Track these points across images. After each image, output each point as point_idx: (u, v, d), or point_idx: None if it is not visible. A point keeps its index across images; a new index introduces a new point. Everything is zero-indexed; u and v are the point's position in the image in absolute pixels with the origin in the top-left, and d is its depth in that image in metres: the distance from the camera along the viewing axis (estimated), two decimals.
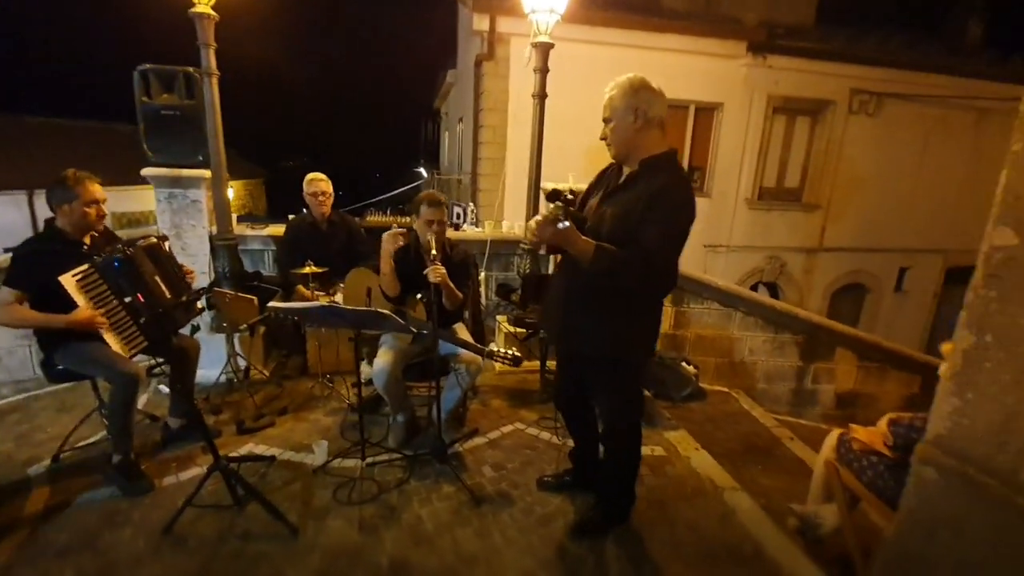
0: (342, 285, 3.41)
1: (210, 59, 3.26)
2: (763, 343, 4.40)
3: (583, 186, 4.65)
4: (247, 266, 3.87)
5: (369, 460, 2.68)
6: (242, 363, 3.43)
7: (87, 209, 2.45)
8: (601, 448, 2.30)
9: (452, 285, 2.60)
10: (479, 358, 2.76)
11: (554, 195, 1.81)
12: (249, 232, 4.02)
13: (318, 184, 3.63)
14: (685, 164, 9.05)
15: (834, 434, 2.55)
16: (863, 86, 8.76)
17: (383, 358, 2.69)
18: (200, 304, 2.90)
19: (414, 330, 2.52)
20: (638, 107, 1.85)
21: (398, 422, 2.92)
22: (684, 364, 4.14)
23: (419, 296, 2.75)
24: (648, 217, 1.76)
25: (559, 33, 7.62)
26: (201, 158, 3.64)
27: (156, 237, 2.69)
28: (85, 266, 2.37)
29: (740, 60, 8.23)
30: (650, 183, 1.82)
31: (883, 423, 2.27)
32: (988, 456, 1.53)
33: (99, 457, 2.65)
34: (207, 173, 3.66)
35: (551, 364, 3.48)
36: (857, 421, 5.03)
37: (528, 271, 3.80)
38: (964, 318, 1.60)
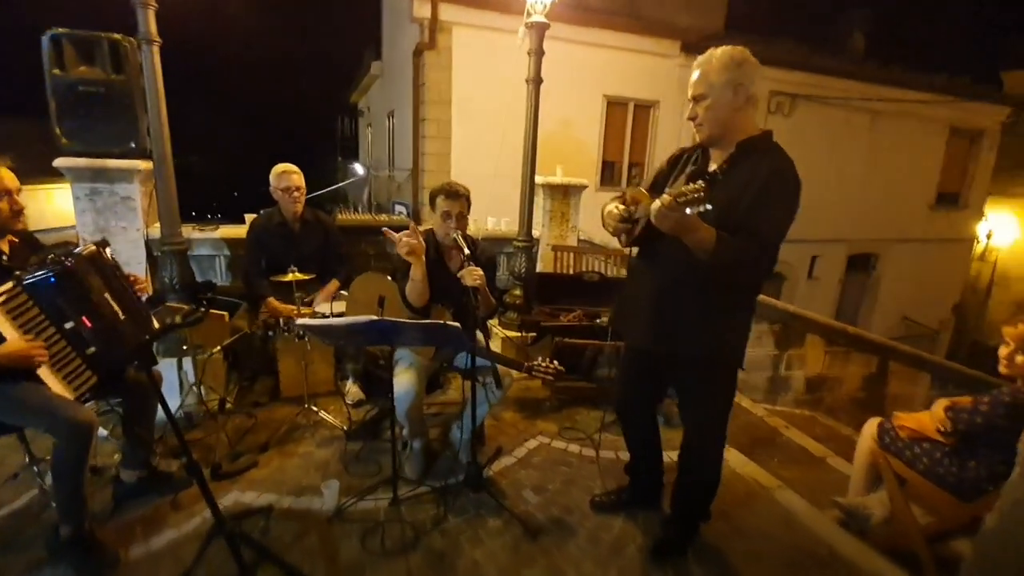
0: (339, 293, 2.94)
1: (149, 22, 2.64)
2: None
3: (577, 180, 4.50)
4: (195, 275, 3.25)
5: (390, 496, 2.29)
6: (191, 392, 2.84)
7: None
8: (675, 462, 2.10)
9: (487, 289, 2.28)
10: (511, 371, 2.46)
11: (698, 174, 1.56)
12: (196, 235, 3.37)
13: (290, 178, 3.10)
14: (624, 161, 9.22)
15: (873, 423, 2.54)
16: (780, 88, 9.40)
17: (405, 378, 2.30)
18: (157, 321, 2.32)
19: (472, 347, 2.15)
20: (740, 82, 1.67)
21: (415, 449, 2.54)
22: None
23: (444, 304, 2.39)
24: (762, 203, 1.59)
25: (508, 25, 7.40)
26: (134, 145, 2.99)
27: (94, 243, 2.11)
28: (8, 284, 1.78)
29: (674, 60, 8.47)
30: (756, 167, 1.64)
31: (937, 409, 2.28)
32: None
33: (35, 528, 2.04)
34: (142, 164, 3.01)
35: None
36: (825, 404, 5.27)
37: (524, 269, 3.52)
38: None
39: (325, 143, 17.23)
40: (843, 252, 11.02)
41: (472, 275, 2.15)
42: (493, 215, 5.30)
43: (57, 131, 2.85)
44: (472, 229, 4.27)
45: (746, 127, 1.72)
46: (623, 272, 4.14)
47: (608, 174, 8.76)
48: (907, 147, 10.64)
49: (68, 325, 1.91)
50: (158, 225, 3.24)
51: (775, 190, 1.59)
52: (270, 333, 2.78)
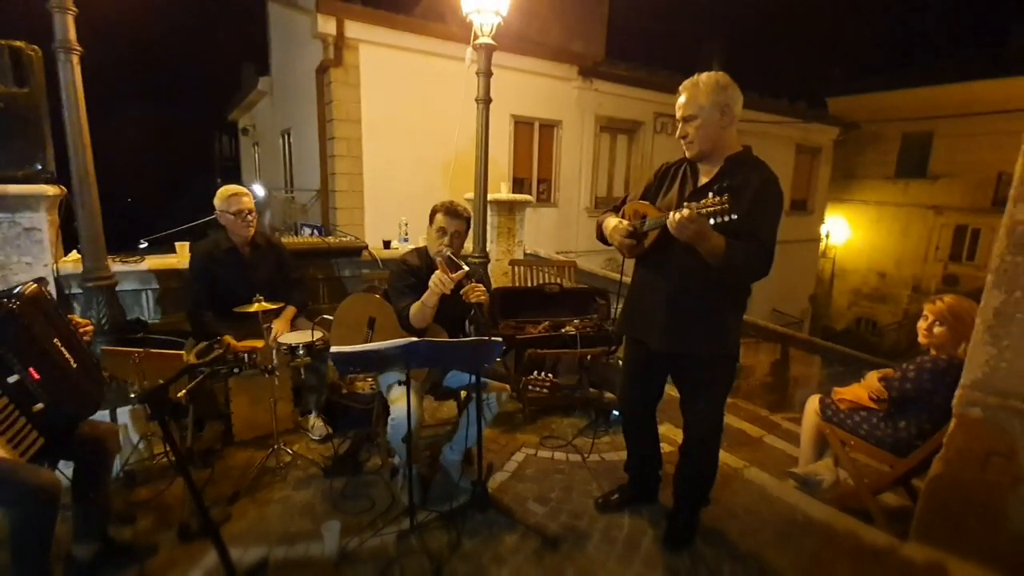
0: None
1: (68, 29, 2.32)
2: None
3: (522, 196, 4.58)
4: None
5: (397, 529, 2.19)
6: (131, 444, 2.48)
7: None
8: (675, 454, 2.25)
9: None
10: (507, 386, 2.47)
11: (723, 190, 1.69)
12: (119, 267, 2.92)
13: (241, 200, 2.84)
14: (533, 176, 9.58)
15: (814, 399, 2.91)
16: (663, 110, 10.36)
17: (403, 402, 2.21)
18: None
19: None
20: (726, 104, 1.87)
21: (411, 475, 2.44)
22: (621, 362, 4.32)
23: (439, 323, 2.34)
24: (759, 210, 1.78)
25: (417, 45, 7.41)
26: (41, 167, 2.58)
27: (34, 282, 1.81)
28: None
29: (573, 83, 9.03)
30: (747, 179, 1.84)
31: (871, 380, 2.68)
32: None
33: None
34: (49, 189, 2.60)
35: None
36: (743, 391, 5.84)
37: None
38: (991, 281, 1.96)
39: (200, 164, 15.77)
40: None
41: (476, 292, 2.15)
42: (411, 233, 5.24)
43: None
44: (397, 249, 4.21)
45: (731, 143, 1.93)
46: (577, 283, 4.32)
47: (518, 190, 9.02)
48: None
49: (12, 379, 1.62)
50: (69, 259, 2.84)
51: (769, 197, 1.81)
52: (235, 371, 2.51)
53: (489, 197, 4.48)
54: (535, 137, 8.93)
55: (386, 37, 7.14)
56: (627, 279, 2.29)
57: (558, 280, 4.14)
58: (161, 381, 1.42)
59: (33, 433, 1.67)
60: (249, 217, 2.83)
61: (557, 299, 3.49)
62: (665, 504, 2.40)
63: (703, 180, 1.95)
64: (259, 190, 8.89)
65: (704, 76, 1.89)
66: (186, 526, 2.19)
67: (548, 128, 9.08)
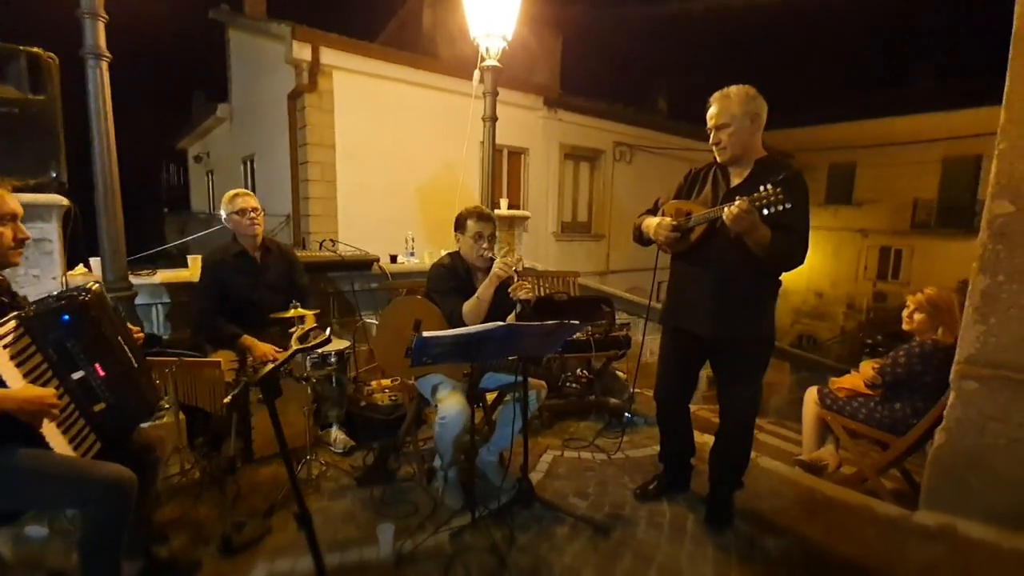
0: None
1: (99, 35, 2.29)
2: (656, 342, 5.04)
3: (522, 212, 4.69)
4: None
5: (448, 529, 2.19)
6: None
7: (2, 228, 1.53)
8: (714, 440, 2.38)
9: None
10: (543, 383, 2.55)
11: (778, 183, 1.83)
12: (133, 280, 2.79)
13: (244, 199, 2.80)
14: (503, 203, 9.78)
15: (813, 391, 3.14)
16: (622, 140, 10.95)
17: (454, 401, 2.25)
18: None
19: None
20: (756, 112, 2.08)
21: (451, 479, 2.45)
22: (617, 372, 4.47)
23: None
24: (794, 204, 1.97)
25: (389, 73, 7.55)
26: (55, 175, 2.49)
27: (95, 282, 1.77)
28: (11, 323, 1.45)
29: (539, 112, 9.41)
30: (776, 178, 2.03)
31: (865, 369, 2.94)
32: (1017, 359, 2.16)
33: None
34: (61, 200, 2.51)
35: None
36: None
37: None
38: (977, 267, 2.25)
39: (146, 194, 15.07)
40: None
41: (523, 288, 2.24)
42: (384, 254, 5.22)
43: None
44: (429, 260, 4.24)
45: (759, 147, 2.14)
46: (577, 291, 4.45)
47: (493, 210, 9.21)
48: None
49: (76, 375, 1.58)
50: (77, 272, 2.72)
51: (801, 193, 2.00)
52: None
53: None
54: (504, 164, 9.17)
55: (360, 64, 7.24)
56: (639, 298, 2.44)
57: (564, 291, 4.28)
58: (269, 366, 1.41)
59: (91, 436, 1.61)
60: (252, 214, 2.79)
61: (566, 307, 3.61)
62: (697, 491, 2.52)
63: (735, 181, 2.14)
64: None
65: (734, 88, 2.09)
66: (228, 540, 2.11)
67: (516, 155, 9.36)
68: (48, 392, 1.44)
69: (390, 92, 7.59)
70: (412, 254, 4.19)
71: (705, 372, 2.74)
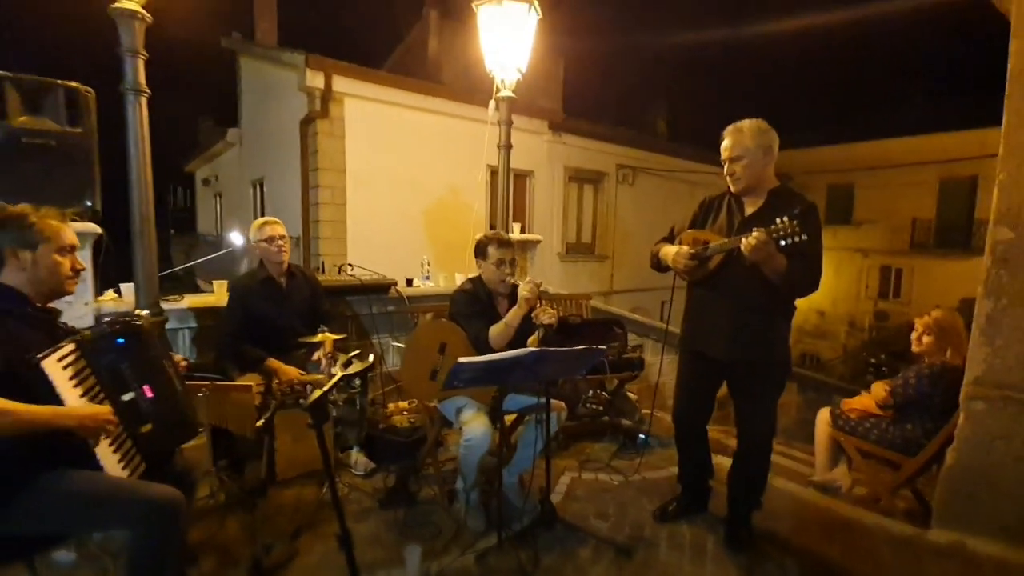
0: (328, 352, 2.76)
1: (139, 72, 2.41)
2: (668, 363, 5.09)
3: (534, 236, 4.78)
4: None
5: (474, 552, 2.23)
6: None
7: (59, 258, 1.60)
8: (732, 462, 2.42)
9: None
10: (563, 404, 2.61)
11: (794, 216, 1.90)
12: (162, 306, 2.87)
13: (273, 227, 2.88)
14: (515, 227, 9.91)
15: (825, 412, 3.19)
16: (624, 162, 11.13)
17: (479, 423, 2.30)
18: None
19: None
20: (768, 145, 2.17)
21: (472, 501, 2.49)
22: (628, 394, 4.51)
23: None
24: (808, 234, 2.04)
25: (398, 99, 7.75)
26: (89, 204, 2.59)
27: (143, 311, 1.86)
28: (69, 346, 1.53)
29: (544, 136, 9.60)
30: (791, 207, 2.10)
31: (877, 390, 2.99)
32: (1021, 380, 2.23)
33: None
34: (95, 228, 2.60)
35: None
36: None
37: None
38: (982, 291, 2.33)
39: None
40: (681, 297, 12.99)
41: (547, 313, 2.32)
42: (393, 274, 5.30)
43: None
44: (444, 284, 4.33)
45: (771, 178, 2.23)
46: (589, 313, 4.52)
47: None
48: None
49: (127, 397, 1.65)
50: (107, 297, 2.80)
51: (813, 222, 2.08)
52: (300, 400, 2.50)
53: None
54: (510, 186, 9.29)
55: (370, 91, 7.43)
56: (650, 320, 2.51)
57: (577, 314, 4.35)
58: (318, 391, 1.48)
59: (138, 456, 1.67)
60: (281, 243, 2.88)
61: (579, 329, 3.68)
62: (715, 512, 2.56)
63: (749, 211, 2.23)
64: (236, 239, 8.72)
65: (747, 123, 2.19)
66: (257, 562, 2.14)
67: (521, 178, 9.52)
68: (106, 409, 1.50)
69: (398, 117, 7.77)
70: (428, 277, 4.27)
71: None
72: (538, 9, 3.54)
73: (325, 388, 1.52)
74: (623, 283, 11.32)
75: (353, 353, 1.87)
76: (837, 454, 3.13)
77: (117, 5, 2.35)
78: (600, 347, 2.11)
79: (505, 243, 2.53)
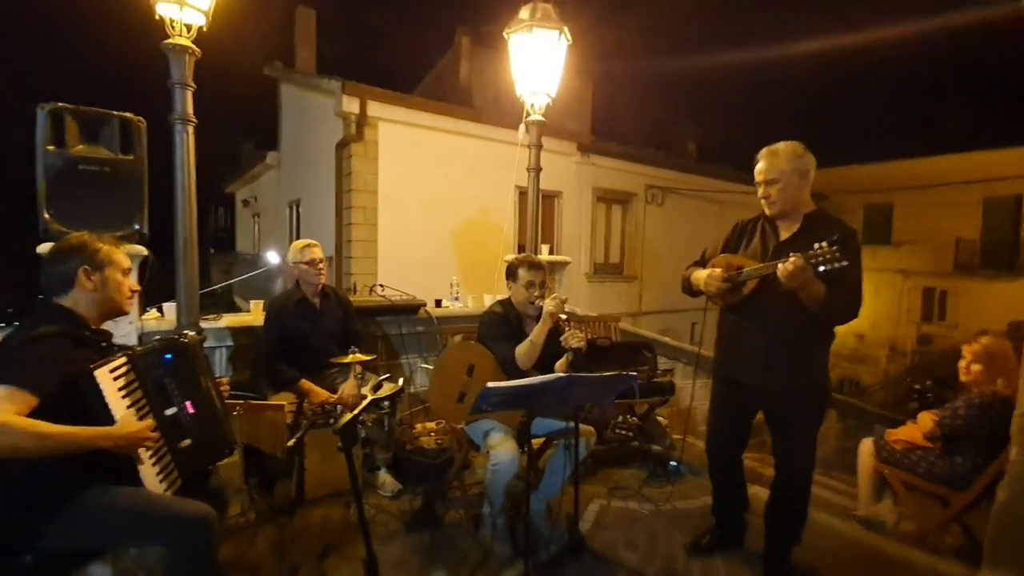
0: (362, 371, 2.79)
1: (187, 103, 2.54)
2: (700, 387, 4.99)
3: (562, 257, 4.79)
4: None
5: None
6: None
7: (122, 279, 1.69)
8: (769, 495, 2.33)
9: None
10: (592, 429, 2.57)
11: (834, 242, 1.85)
12: (201, 325, 2.98)
13: (313, 251, 2.96)
14: (544, 249, 9.94)
15: (868, 442, 3.05)
16: (653, 183, 11.08)
17: (506, 448, 2.28)
18: None
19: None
20: (805, 169, 2.13)
21: (499, 526, 2.46)
22: (658, 419, 4.42)
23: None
24: (847, 260, 1.97)
25: (429, 123, 7.94)
26: (138, 227, 2.70)
27: (191, 332, 1.93)
28: (121, 359, 1.59)
29: (572, 157, 9.66)
30: (828, 232, 2.04)
31: (924, 420, 2.85)
32: None
33: None
34: (142, 250, 2.72)
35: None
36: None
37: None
38: None
39: None
40: (713, 318, 12.73)
41: (576, 337, 2.30)
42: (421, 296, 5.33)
43: (45, 215, 2.48)
44: (473, 305, 4.35)
45: (807, 202, 2.18)
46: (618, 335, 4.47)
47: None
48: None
49: (169, 411, 1.70)
50: (150, 316, 2.91)
51: (853, 248, 2.02)
52: (331, 420, 2.54)
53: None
54: (538, 207, 9.35)
55: (403, 115, 7.63)
56: (680, 344, 2.46)
57: (606, 336, 4.32)
58: (348, 415, 1.50)
59: (175, 472, 1.71)
60: (320, 266, 2.96)
61: (608, 352, 3.64)
62: (751, 547, 2.46)
63: (784, 235, 2.18)
64: (273, 258, 8.98)
65: (782, 145, 2.15)
66: None
67: (550, 199, 9.56)
68: (143, 428, 1.54)
69: (430, 140, 7.95)
70: (456, 298, 4.30)
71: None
72: (568, 36, 3.60)
73: (355, 412, 1.54)
74: (652, 304, 11.17)
75: (383, 376, 1.89)
76: (881, 487, 2.98)
77: (169, 41, 2.49)
78: (631, 373, 2.07)
79: (536, 265, 2.54)
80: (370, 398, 1.65)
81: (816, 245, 1.86)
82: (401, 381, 1.75)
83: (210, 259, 15.04)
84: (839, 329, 2.18)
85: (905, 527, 2.89)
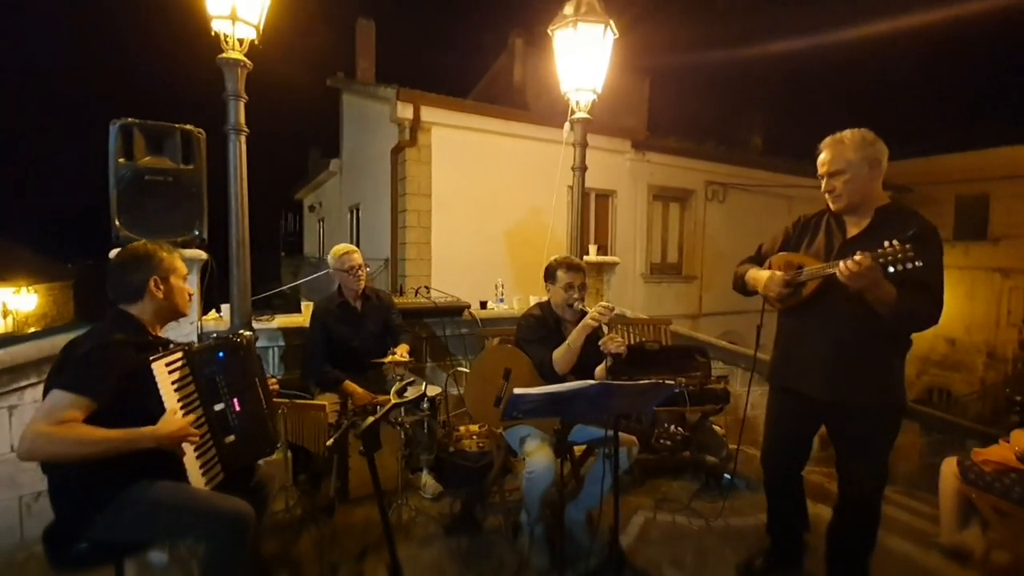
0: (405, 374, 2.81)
1: (239, 113, 2.65)
2: (760, 395, 4.69)
3: (610, 259, 4.68)
4: None
5: None
6: None
7: (183, 285, 1.80)
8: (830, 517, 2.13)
9: None
10: (634, 439, 2.45)
11: (908, 239, 1.65)
12: (254, 325, 3.14)
13: (352, 257, 3.06)
14: (592, 244, 9.79)
15: (951, 462, 2.74)
16: (714, 179, 10.61)
17: (543, 455, 2.22)
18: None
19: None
20: (875, 158, 1.91)
21: (537, 536, 2.39)
22: (715, 427, 4.18)
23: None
24: (924, 259, 1.73)
25: (481, 126, 7.98)
26: (197, 232, 2.85)
27: (246, 332, 2.01)
28: (178, 353, 1.68)
29: (626, 155, 9.42)
30: (904, 227, 1.81)
31: (1018, 439, 2.53)
32: None
33: None
34: (202, 254, 2.87)
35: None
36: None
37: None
38: None
39: (266, 240, 16.84)
40: (774, 321, 12.04)
41: (615, 342, 2.20)
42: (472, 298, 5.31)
43: (116, 222, 2.67)
44: (518, 307, 4.32)
45: (879, 195, 1.96)
46: (669, 339, 4.30)
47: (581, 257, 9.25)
48: None
49: (218, 407, 1.77)
50: (210, 317, 3.05)
51: (933, 246, 1.80)
52: (354, 423, 2.58)
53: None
54: (592, 207, 9.20)
55: (455, 119, 7.72)
56: (739, 348, 2.29)
57: (656, 340, 4.16)
58: (370, 419, 1.49)
59: (218, 466, 1.77)
60: (359, 272, 3.03)
61: (658, 356, 3.47)
62: (811, 572, 2.26)
63: (852, 232, 1.97)
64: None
65: (848, 133, 1.94)
66: None
67: (603, 198, 9.38)
68: (183, 423, 1.60)
69: (481, 143, 8.00)
70: (502, 300, 4.28)
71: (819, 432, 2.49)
72: (614, 29, 3.48)
73: (376, 416, 1.53)
74: (713, 305, 10.69)
75: (408, 380, 1.88)
76: (968, 512, 2.67)
77: (223, 55, 2.61)
78: (668, 382, 1.95)
79: (575, 267, 2.45)
80: (393, 402, 1.64)
81: (887, 243, 1.66)
82: (424, 386, 1.72)
83: (281, 262, 15.89)
84: (926, 333, 1.94)
85: (998, 558, 2.57)
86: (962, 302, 14.70)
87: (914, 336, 1.96)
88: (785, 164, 11.84)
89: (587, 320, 2.23)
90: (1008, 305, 14.42)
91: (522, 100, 9.81)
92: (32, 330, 13.59)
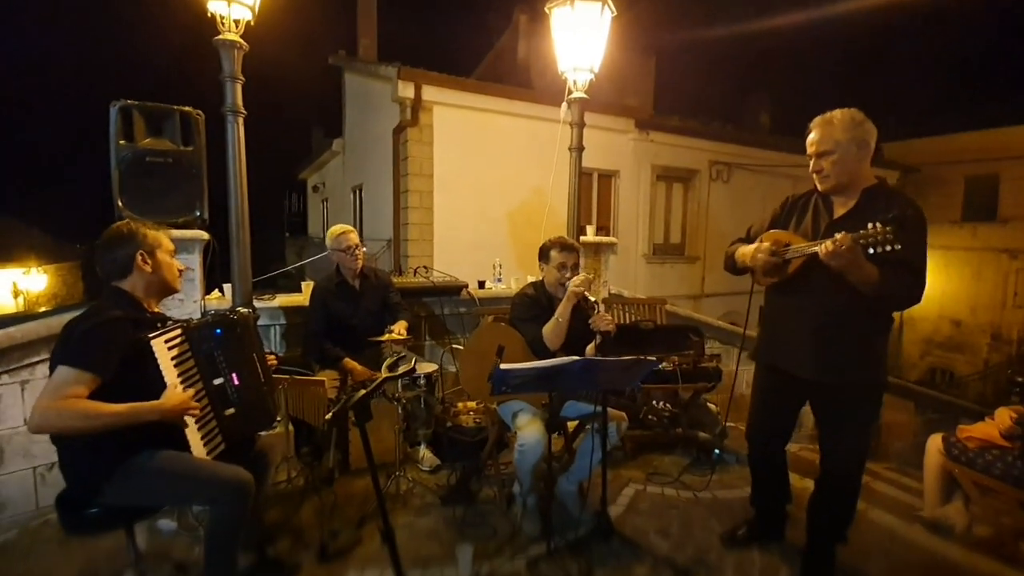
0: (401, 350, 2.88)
1: (237, 95, 2.68)
2: (750, 372, 4.74)
3: (608, 239, 4.71)
4: None
5: (525, 557, 2.22)
6: None
7: (171, 260, 1.85)
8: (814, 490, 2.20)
9: None
10: (624, 415, 2.52)
11: (889, 220, 1.69)
12: (255, 303, 3.21)
13: (348, 237, 3.10)
14: (593, 225, 9.78)
15: (936, 438, 2.80)
16: (718, 158, 10.52)
17: (533, 428, 2.29)
18: None
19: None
20: (864, 139, 1.92)
21: (530, 506, 2.48)
22: (709, 404, 4.26)
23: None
24: (907, 239, 1.74)
25: (484, 105, 7.92)
26: (199, 213, 2.91)
27: (244, 309, 2.08)
28: (177, 330, 1.74)
29: (629, 135, 9.34)
30: (888, 208, 1.83)
31: (1003, 417, 2.58)
32: None
33: None
34: (203, 235, 2.93)
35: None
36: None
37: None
38: None
39: (270, 220, 16.88)
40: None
41: (604, 320, 2.25)
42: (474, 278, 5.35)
43: (119, 203, 2.72)
44: (516, 286, 4.37)
45: (867, 176, 1.99)
46: (664, 318, 4.36)
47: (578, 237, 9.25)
48: None
49: (217, 381, 1.85)
50: (212, 296, 3.12)
51: (917, 227, 1.83)
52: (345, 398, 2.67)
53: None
54: (594, 187, 9.18)
55: (457, 99, 7.67)
56: (733, 327, 2.33)
57: (651, 319, 4.21)
58: (362, 391, 1.56)
59: (219, 437, 1.86)
60: (356, 252, 3.07)
61: (652, 336, 3.53)
62: (793, 542, 2.34)
63: (839, 212, 2.00)
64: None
65: (838, 113, 1.95)
66: (324, 548, 2.30)
67: (606, 178, 9.35)
68: (184, 397, 1.67)
69: (484, 122, 7.96)
70: (499, 280, 4.33)
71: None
72: (612, 7, 3.45)
73: (368, 389, 1.59)
74: (715, 286, 10.70)
75: (399, 355, 1.94)
76: (951, 488, 2.74)
77: (220, 37, 2.63)
78: (650, 359, 2.00)
79: (567, 247, 2.50)
80: (383, 376, 1.71)
81: (869, 225, 1.69)
82: (413, 361, 1.79)
83: (286, 242, 15.97)
84: (932, 316, 1.99)
85: (979, 531, 2.65)
86: (968, 283, 14.59)
87: (918, 318, 2.00)
88: (791, 143, 11.69)
89: (571, 289, 2.29)
90: (1015, 286, 14.29)
91: (526, 78, 9.72)
92: (43, 309, 13.80)
